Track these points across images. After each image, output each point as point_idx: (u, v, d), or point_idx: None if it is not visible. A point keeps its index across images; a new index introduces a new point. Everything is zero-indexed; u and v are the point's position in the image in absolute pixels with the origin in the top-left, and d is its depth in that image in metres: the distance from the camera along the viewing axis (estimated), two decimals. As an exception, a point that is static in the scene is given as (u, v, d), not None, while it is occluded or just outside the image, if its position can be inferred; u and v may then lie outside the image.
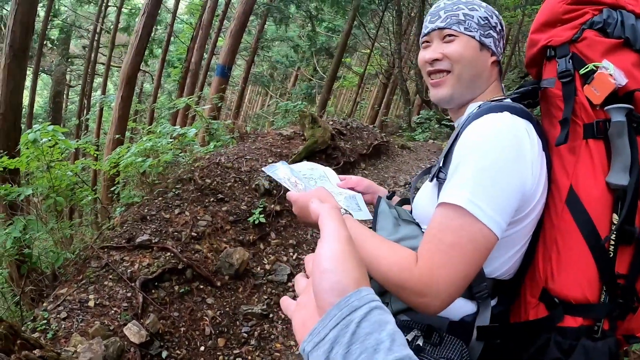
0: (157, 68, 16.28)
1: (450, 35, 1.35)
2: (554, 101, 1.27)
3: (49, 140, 4.18)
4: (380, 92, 21.22)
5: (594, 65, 1.17)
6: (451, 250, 1.10)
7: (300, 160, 6.29)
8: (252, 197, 5.38)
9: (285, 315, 4.27)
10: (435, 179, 1.28)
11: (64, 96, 21.68)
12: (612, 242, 1.14)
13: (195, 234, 4.47)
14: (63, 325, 3.10)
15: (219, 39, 16.25)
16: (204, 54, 14.76)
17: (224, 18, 16.00)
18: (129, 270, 3.77)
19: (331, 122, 8.42)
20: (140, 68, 11.00)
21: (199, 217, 4.71)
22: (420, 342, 1.22)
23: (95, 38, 16.52)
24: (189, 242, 4.35)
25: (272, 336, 4.02)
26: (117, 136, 8.56)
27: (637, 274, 1.15)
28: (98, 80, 20.65)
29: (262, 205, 5.21)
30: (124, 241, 4.12)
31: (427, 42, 1.42)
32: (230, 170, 5.73)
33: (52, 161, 4.36)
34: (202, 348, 3.61)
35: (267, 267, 4.69)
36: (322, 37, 19.58)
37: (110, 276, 3.70)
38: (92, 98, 17.53)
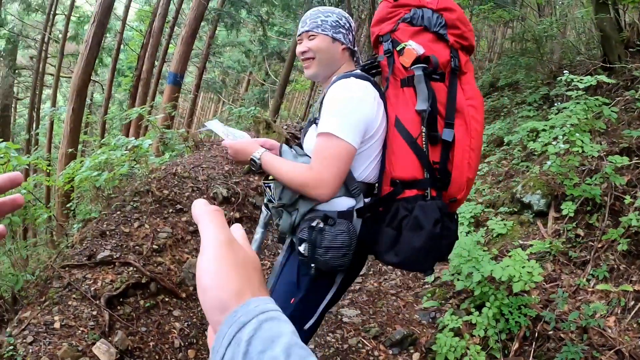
0: (107, 77, 15.96)
1: (312, 35, 2.06)
2: (384, 68, 2.01)
3: (1, 157, 4.10)
4: (334, 94, 21.33)
5: (404, 44, 1.92)
6: (328, 158, 1.82)
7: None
8: (211, 206, 5.38)
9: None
10: (313, 124, 2.00)
11: (12, 110, 20.92)
12: (424, 142, 1.87)
13: (157, 247, 4.47)
14: (30, 350, 3.05)
15: (170, 46, 16.03)
16: (155, 61, 14.55)
17: (175, 24, 15.78)
18: (92, 288, 3.75)
19: (285, 127, 8.54)
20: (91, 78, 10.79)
21: (159, 229, 4.71)
22: (321, 225, 1.88)
23: (44, 48, 16.04)
24: (151, 255, 4.35)
25: (241, 342, 4.04)
26: (69, 150, 8.39)
27: (445, 161, 1.91)
28: (47, 91, 20.04)
29: (222, 214, 5.22)
30: (84, 258, 4.09)
31: (300, 40, 2.11)
32: (187, 179, 5.74)
33: (4, 180, 4.25)
34: (173, 361, 3.62)
35: (231, 275, 4.71)
36: (274, 41, 19.62)
37: (74, 295, 3.66)
38: (41, 111, 17.02)
